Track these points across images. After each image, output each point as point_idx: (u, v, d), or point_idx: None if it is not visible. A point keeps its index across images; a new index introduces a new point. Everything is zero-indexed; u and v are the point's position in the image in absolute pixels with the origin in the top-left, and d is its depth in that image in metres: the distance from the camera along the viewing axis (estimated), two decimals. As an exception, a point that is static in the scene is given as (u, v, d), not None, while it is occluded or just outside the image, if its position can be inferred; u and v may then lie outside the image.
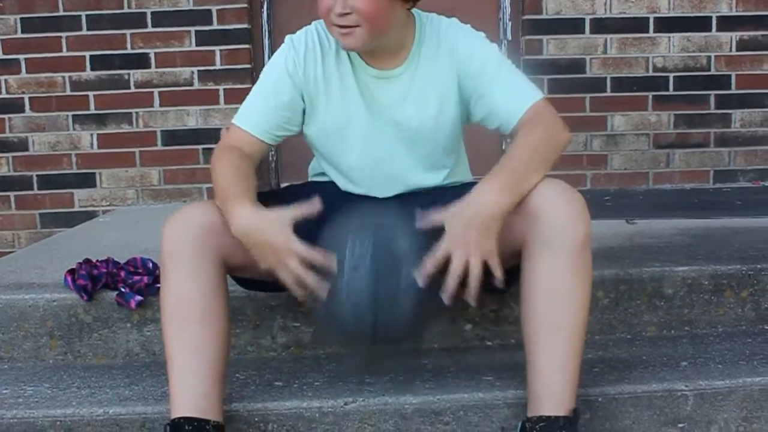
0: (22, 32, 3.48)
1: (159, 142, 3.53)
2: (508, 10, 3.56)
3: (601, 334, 2.01)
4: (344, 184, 1.85)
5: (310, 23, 1.79)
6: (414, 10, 1.74)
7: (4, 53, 3.49)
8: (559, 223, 1.53)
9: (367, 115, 1.76)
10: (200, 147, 3.51)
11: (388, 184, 1.82)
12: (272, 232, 1.52)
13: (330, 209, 1.57)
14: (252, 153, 1.74)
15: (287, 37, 1.79)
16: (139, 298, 1.94)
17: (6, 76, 3.50)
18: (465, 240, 1.48)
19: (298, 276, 1.51)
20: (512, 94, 1.70)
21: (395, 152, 1.79)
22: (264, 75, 1.79)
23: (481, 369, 1.83)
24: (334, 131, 1.78)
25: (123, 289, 1.95)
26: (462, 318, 1.99)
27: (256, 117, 1.76)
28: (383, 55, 1.73)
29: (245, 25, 3.50)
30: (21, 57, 3.50)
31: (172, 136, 3.52)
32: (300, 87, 1.75)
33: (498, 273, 1.50)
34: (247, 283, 1.84)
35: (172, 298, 1.59)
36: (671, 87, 3.56)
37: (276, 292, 1.82)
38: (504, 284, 1.54)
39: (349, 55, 1.75)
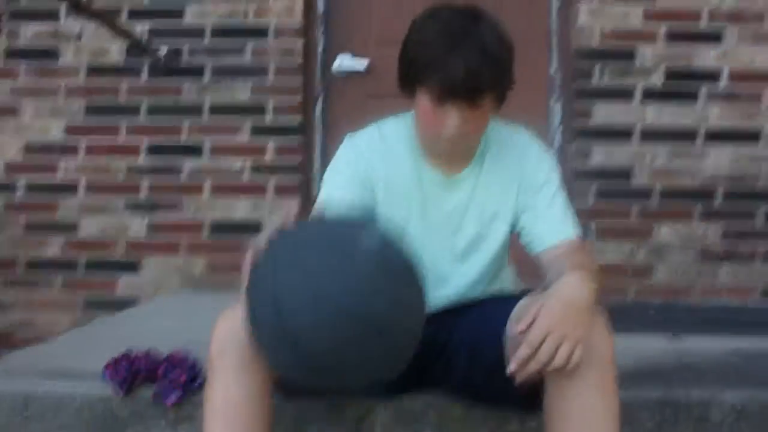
0: (85, 116, 3.59)
1: (205, 232, 3.57)
2: (558, 116, 3.60)
3: (644, 459, 1.94)
4: None
5: (365, 121, 1.80)
6: None
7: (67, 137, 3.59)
8: (587, 342, 1.46)
9: (422, 221, 1.75)
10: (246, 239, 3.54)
11: (434, 293, 1.76)
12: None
13: None
14: None
15: (347, 136, 1.80)
16: (176, 395, 1.92)
17: (65, 160, 3.59)
18: (564, 323, 1.43)
19: None
20: (554, 222, 1.72)
21: (445, 260, 1.75)
22: (329, 174, 1.77)
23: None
24: None
25: (160, 386, 1.94)
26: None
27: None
28: (453, 157, 1.73)
29: (298, 120, 3.57)
30: (81, 141, 3.59)
31: (218, 227, 3.56)
32: (363, 181, 1.74)
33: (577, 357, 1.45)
34: (289, 391, 1.76)
35: (218, 398, 1.56)
36: (719, 200, 3.52)
37: (316, 400, 1.81)
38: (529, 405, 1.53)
39: (414, 155, 1.75)
